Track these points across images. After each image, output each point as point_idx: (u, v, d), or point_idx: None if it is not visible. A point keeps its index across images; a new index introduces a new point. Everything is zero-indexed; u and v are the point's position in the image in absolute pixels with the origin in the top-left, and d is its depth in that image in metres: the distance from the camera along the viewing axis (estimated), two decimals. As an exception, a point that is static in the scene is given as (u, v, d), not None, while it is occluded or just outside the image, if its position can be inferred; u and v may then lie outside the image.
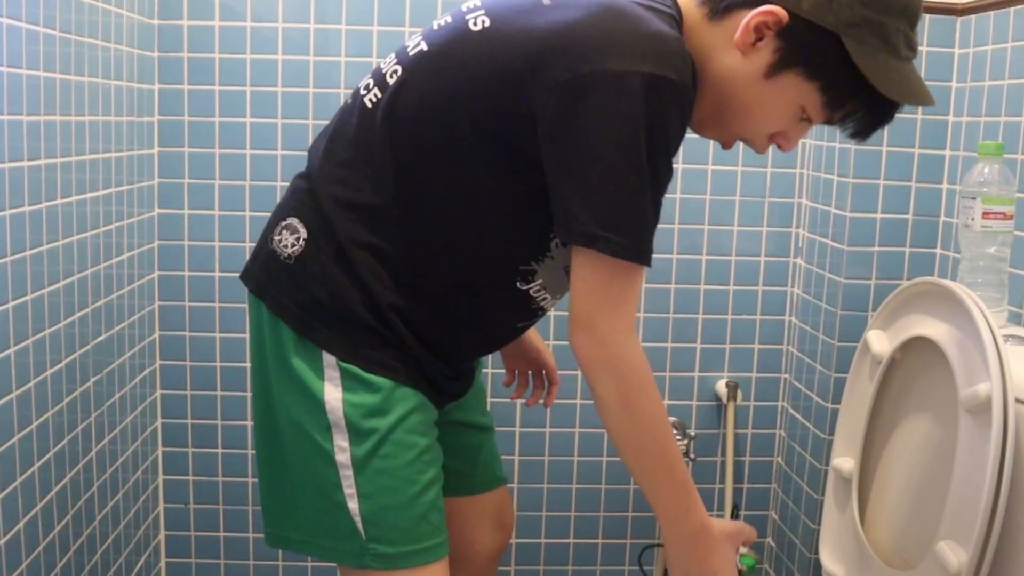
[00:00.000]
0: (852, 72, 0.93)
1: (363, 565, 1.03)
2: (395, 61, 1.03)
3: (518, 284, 1.05)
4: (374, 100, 1.02)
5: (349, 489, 1.01)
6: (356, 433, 1.01)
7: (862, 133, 1.01)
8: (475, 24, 0.97)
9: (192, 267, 1.70)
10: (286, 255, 1.04)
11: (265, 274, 1.06)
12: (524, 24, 0.94)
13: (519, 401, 1.79)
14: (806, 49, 0.94)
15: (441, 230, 1.01)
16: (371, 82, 1.04)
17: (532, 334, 1.39)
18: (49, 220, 1.24)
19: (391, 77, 1.01)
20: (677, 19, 0.97)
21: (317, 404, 1.01)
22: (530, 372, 1.43)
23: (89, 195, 1.38)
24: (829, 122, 1.00)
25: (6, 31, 1.11)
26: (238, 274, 1.11)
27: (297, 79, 1.67)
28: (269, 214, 1.10)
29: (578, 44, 0.90)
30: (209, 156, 1.68)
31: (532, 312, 1.10)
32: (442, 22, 1.02)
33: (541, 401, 1.42)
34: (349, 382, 1.01)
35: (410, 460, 1.03)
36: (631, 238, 0.92)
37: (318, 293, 1.02)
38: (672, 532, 1.03)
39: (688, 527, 1.02)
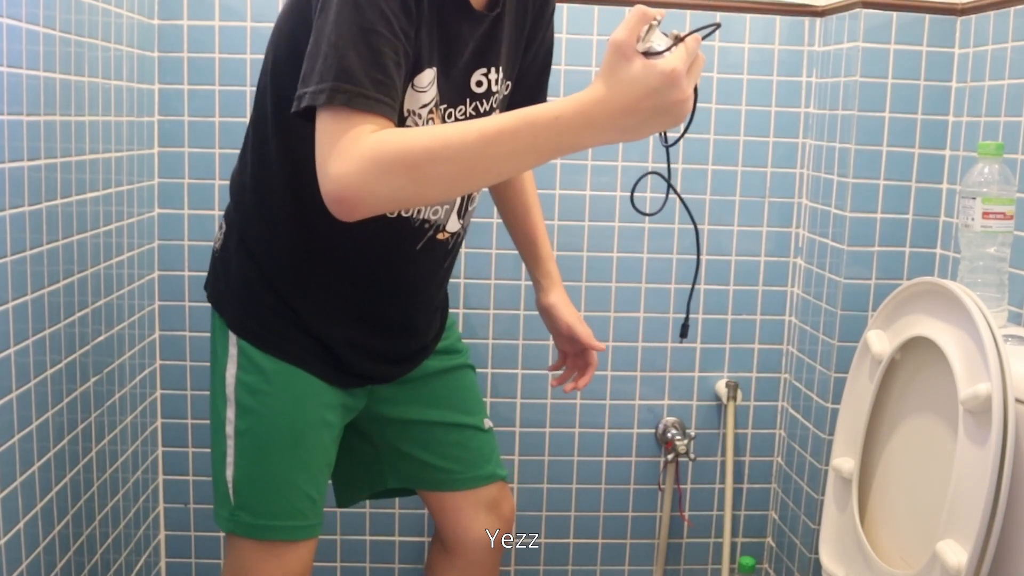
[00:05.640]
0: None
1: (230, 530, 1.14)
2: None
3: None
4: None
5: (230, 457, 1.13)
6: (241, 408, 1.12)
7: None
8: None
9: (192, 267, 1.70)
10: (214, 250, 1.19)
11: (210, 271, 1.20)
12: None
13: (519, 401, 1.79)
14: None
15: (287, 153, 1.06)
16: None
17: (562, 308, 1.34)
18: (49, 220, 1.24)
19: None
20: None
21: (221, 380, 1.13)
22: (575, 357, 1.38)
23: (89, 195, 1.38)
24: None
25: (6, 31, 1.11)
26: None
27: (297, 79, 1.67)
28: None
29: None
30: (209, 156, 1.68)
31: (413, 228, 1.10)
32: None
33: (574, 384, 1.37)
34: (243, 359, 1.12)
35: (281, 439, 1.12)
36: (336, 82, 0.87)
37: (228, 275, 1.15)
38: (594, 141, 0.87)
39: (579, 126, 0.85)
